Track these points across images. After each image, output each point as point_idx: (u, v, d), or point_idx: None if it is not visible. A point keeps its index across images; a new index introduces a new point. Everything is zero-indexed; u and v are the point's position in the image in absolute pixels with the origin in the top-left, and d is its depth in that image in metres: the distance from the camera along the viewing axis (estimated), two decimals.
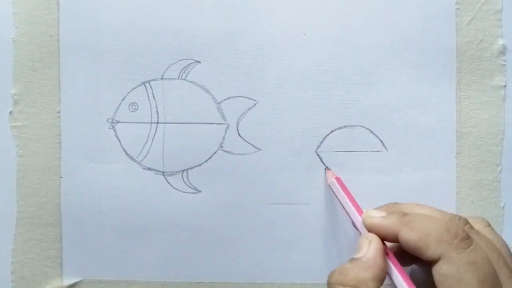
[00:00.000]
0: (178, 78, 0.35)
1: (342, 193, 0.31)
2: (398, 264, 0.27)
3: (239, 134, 0.35)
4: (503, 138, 0.35)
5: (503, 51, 0.34)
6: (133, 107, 0.35)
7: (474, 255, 0.25)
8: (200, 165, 0.35)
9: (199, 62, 0.35)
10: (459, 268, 0.24)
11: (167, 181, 0.35)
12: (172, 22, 0.35)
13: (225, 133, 0.35)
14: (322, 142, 0.35)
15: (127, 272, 0.35)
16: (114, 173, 0.35)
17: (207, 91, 0.35)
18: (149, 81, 0.35)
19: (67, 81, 0.35)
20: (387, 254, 0.27)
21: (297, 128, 0.35)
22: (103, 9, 0.35)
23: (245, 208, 0.35)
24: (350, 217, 0.30)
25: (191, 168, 0.35)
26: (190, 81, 0.35)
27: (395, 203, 0.31)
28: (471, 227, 0.28)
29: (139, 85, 0.35)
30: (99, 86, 0.35)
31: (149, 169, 0.35)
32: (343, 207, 0.31)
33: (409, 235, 0.26)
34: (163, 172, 0.35)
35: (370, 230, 0.28)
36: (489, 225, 0.29)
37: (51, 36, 0.35)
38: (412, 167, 0.35)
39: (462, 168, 0.34)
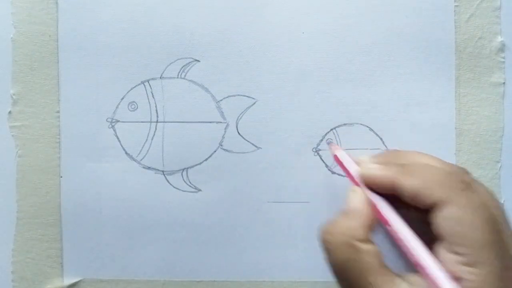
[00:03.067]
0: (177, 77, 0.35)
1: (351, 161, 0.31)
2: (385, 203, 0.28)
3: (238, 133, 0.35)
4: (502, 135, 0.35)
5: (502, 48, 0.34)
6: (133, 106, 0.35)
7: (478, 199, 0.25)
8: (199, 164, 0.35)
9: (198, 61, 0.35)
10: (464, 211, 0.24)
11: (167, 180, 0.35)
12: (170, 21, 0.35)
13: (225, 131, 0.35)
14: (321, 140, 0.35)
15: (127, 271, 0.35)
16: (114, 173, 0.35)
17: (206, 90, 0.35)
18: (148, 80, 0.35)
19: (66, 80, 0.35)
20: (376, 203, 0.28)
21: (297, 126, 0.35)
22: (101, 9, 0.35)
23: (244, 207, 0.35)
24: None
25: (191, 167, 0.35)
26: (189, 80, 0.35)
27: (395, 150, 0.32)
28: (471, 176, 0.27)
29: (138, 84, 0.35)
30: (98, 86, 0.35)
31: (149, 168, 0.35)
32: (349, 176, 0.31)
33: (411, 182, 0.26)
34: (162, 171, 0.35)
35: (368, 180, 0.28)
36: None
37: (49, 35, 0.35)
38: None
39: (462, 165, 0.34)
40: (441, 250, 0.25)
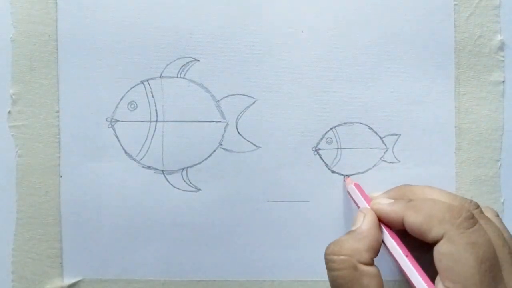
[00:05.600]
0: (177, 77, 0.35)
1: (361, 197, 0.32)
2: (392, 232, 0.28)
3: (238, 132, 0.35)
4: (502, 133, 0.35)
5: (501, 47, 0.34)
6: (132, 106, 0.35)
7: (475, 236, 0.25)
8: (199, 163, 0.35)
9: (198, 60, 0.35)
10: (458, 248, 0.24)
11: (166, 179, 0.35)
12: (170, 21, 0.35)
13: (224, 131, 0.35)
14: (321, 139, 0.35)
15: (127, 271, 0.35)
16: (113, 172, 0.35)
17: (206, 89, 0.35)
18: (147, 80, 0.35)
19: (65, 80, 0.35)
20: (381, 226, 0.29)
21: (296, 125, 0.35)
22: (101, 8, 0.35)
23: (245, 206, 0.35)
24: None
25: (191, 166, 0.35)
26: (188, 79, 0.35)
27: (405, 185, 0.32)
28: (481, 212, 0.28)
29: (138, 84, 0.35)
30: (97, 85, 0.35)
31: (149, 167, 0.35)
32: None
33: (414, 218, 0.27)
34: (162, 171, 0.35)
35: (378, 216, 0.29)
36: (498, 215, 0.29)
37: (49, 35, 0.35)
38: (412, 164, 0.35)
39: (462, 164, 0.34)
40: (439, 283, 0.25)
